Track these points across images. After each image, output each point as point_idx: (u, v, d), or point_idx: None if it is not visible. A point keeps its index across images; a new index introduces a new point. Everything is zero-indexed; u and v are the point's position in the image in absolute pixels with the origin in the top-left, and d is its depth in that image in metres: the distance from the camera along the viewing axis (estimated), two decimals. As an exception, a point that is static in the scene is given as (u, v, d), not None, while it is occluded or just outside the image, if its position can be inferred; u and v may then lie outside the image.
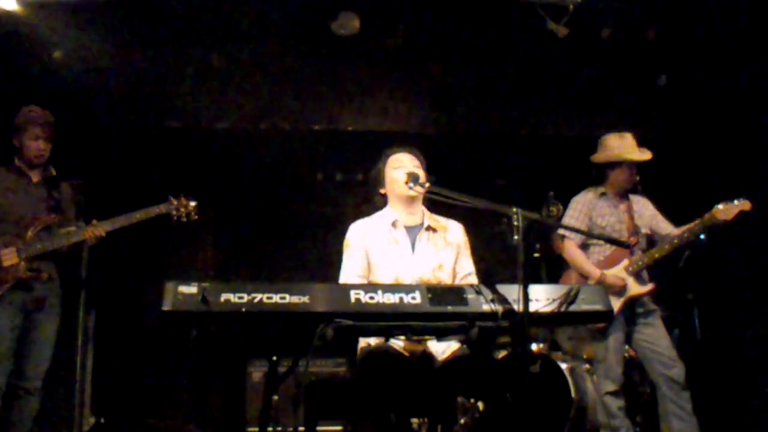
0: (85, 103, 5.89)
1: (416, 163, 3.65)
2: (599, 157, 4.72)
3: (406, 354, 3.37)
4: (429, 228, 3.63)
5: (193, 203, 4.59)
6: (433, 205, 3.65)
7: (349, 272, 3.53)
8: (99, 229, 4.32)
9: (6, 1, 4.96)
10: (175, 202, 4.55)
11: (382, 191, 3.70)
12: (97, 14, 5.27)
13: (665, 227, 4.66)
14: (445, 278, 3.56)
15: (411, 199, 3.61)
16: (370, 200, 3.79)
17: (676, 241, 4.51)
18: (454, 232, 3.70)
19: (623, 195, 4.74)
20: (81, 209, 4.53)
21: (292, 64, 5.92)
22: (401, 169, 3.59)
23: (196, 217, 4.60)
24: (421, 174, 3.58)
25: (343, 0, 5.37)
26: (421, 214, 3.67)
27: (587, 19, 5.31)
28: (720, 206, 4.44)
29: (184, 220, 4.57)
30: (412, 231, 3.62)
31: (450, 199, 3.18)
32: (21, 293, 4.20)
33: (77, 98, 5.79)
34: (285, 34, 5.59)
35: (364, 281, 3.52)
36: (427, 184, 3.48)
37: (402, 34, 5.65)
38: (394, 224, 3.61)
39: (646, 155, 4.64)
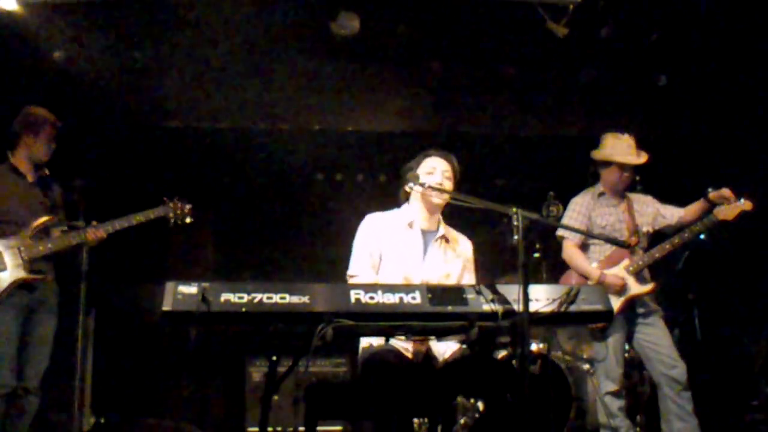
0: (85, 103, 5.89)
1: (448, 172, 3.61)
2: (595, 154, 4.75)
3: (408, 355, 3.38)
4: (443, 237, 3.65)
5: (188, 206, 4.65)
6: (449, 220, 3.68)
7: (359, 262, 3.55)
8: (100, 231, 4.34)
9: (6, 1, 4.96)
10: (171, 205, 4.59)
11: (407, 189, 3.68)
12: (97, 14, 5.27)
13: (671, 213, 4.66)
14: None
15: (436, 207, 3.63)
16: (395, 194, 3.79)
17: (677, 240, 4.52)
18: (464, 246, 3.74)
19: (621, 194, 4.74)
20: (80, 209, 4.53)
21: (292, 64, 5.91)
22: (432, 175, 3.58)
23: (191, 219, 4.65)
24: (448, 183, 3.57)
25: (343, 0, 5.37)
26: (437, 221, 3.68)
27: (587, 19, 5.31)
28: (722, 207, 4.45)
29: (180, 222, 4.62)
30: (427, 235, 3.63)
31: (450, 199, 3.18)
32: (24, 294, 4.21)
33: (77, 98, 5.79)
34: (285, 34, 5.58)
35: (374, 273, 3.53)
36: (427, 185, 3.49)
37: (402, 34, 5.64)
38: (410, 225, 3.62)
39: (639, 159, 4.63)
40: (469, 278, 3.69)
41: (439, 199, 3.57)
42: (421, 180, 3.56)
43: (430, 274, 3.53)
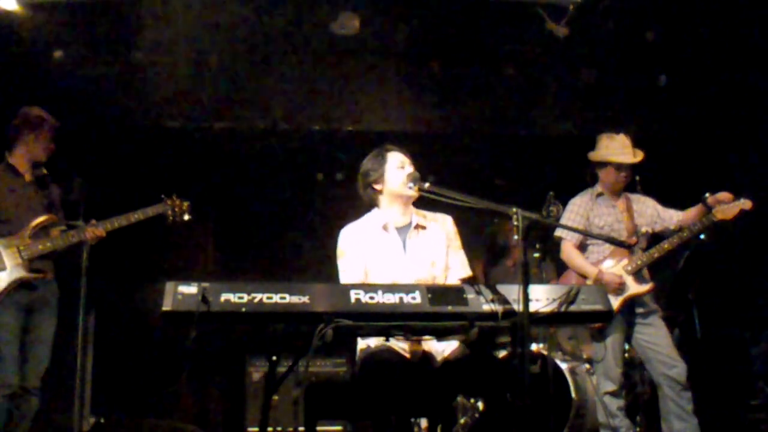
0: (85, 103, 5.89)
1: (409, 159, 3.63)
2: (591, 155, 4.77)
3: (407, 354, 3.37)
4: (418, 226, 3.62)
5: (186, 203, 4.63)
6: (425, 202, 3.64)
7: (348, 277, 3.52)
8: (99, 229, 4.34)
9: (6, 1, 4.96)
10: (169, 203, 4.58)
11: (378, 188, 3.64)
12: (97, 14, 5.27)
13: (671, 216, 4.66)
14: (439, 274, 3.55)
15: (410, 200, 3.61)
16: (359, 195, 3.73)
17: (676, 239, 4.52)
18: (443, 225, 3.68)
19: (620, 194, 4.74)
20: (81, 208, 4.53)
21: (292, 64, 5.91)
22: (404, 170, 3.57)
23: (189, 216, 4.63)
24: (411, 170, 3.57)
25: (343, 0, 5.37)
26: (410, 213, 3.66)
27: (587, 19, 5.31)
28: (721, 205, 4.45)
29: (178, 219, 4.61)
30: (402, 231, 3.61)
31: (449, 199, 3.18)
32: (24, 293, 4.22)
33: (77, 98, 5.79)
34: (285, 34, 5.58)
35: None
36: (427, 185, 3.48)
37: (402, 34, 5.65)
38: (384, 227, 3.60)
39: (634, 158, 4.64)
40: (455, 255, 3.64)
41: (415, 192, 3.51)
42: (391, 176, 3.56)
43: (415, 269, 3.50)
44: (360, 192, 3.71)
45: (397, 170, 3.59)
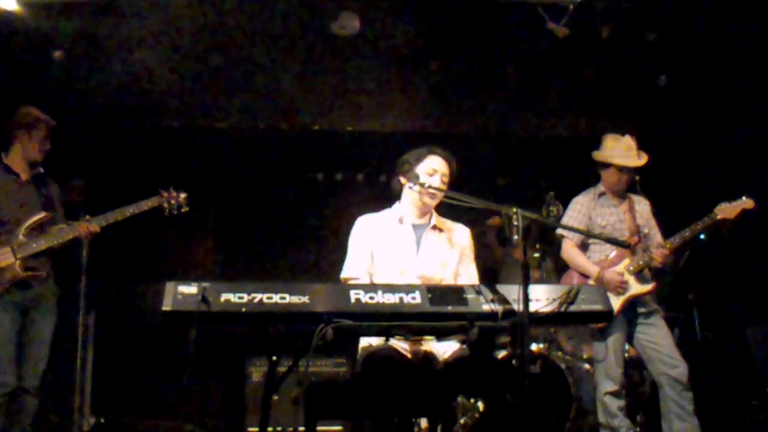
0: (85, 103, 5.89)
1: (447, 176, 3.57)
2: (595, 155, 4.76)
3: (408, 355, 3.38)
4: (435, 227, 3.63)
5: (183, 195, 4.57)
6: (439, 206, 3.66)
7: (352, 266, 3.54)
8: (93, 225, 4.32)
9: (6, 1, 4.96)
10: (166, 195, 4.54)
11: (402, 182, 3.64)
12: (97, 14, 5.27)
13: (656, 233, 4.67)
14: (448, 277, 3.56)
15: (424, 206, 3.61)
16: (388, 184, 3.76)
17: (677, 240, 4.52)
18: (460, 235, 3.69)
19: (622, 194, 4.74)
20: (80, 208, 4.52)
21: (292, 64, 5.92)
22: (431, 177, 3.52)
23: (187, 208, 4.58)
24: (438, 181, 3.54)
25: (343, 0, 5.37)
26: (429, 214, 3.67)
27: (587, 19, 5.31)
28: (723, 205, 4.46)
29: (176, 212, 4.56)
30: (419, 229, 3.61)
31: (449, 199, 3.18)
32: (19, 292, 4.20)
33: (77, 98, 5.78)
34: (285, 34, 5.58)
35: (366, 276, 3.52)
36: (427, 185, 3.48)
37: (402, 34, 5.64)
38: (400, 220, 3.62)
39: (638, 161, 4.62)
40: (467, 267, 3.65)
41: (433, 201, 3.55)
42: (421, 180, 3.54)
43: (425, 266, 3.51)
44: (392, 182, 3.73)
45: (424, 175, 3.54)
